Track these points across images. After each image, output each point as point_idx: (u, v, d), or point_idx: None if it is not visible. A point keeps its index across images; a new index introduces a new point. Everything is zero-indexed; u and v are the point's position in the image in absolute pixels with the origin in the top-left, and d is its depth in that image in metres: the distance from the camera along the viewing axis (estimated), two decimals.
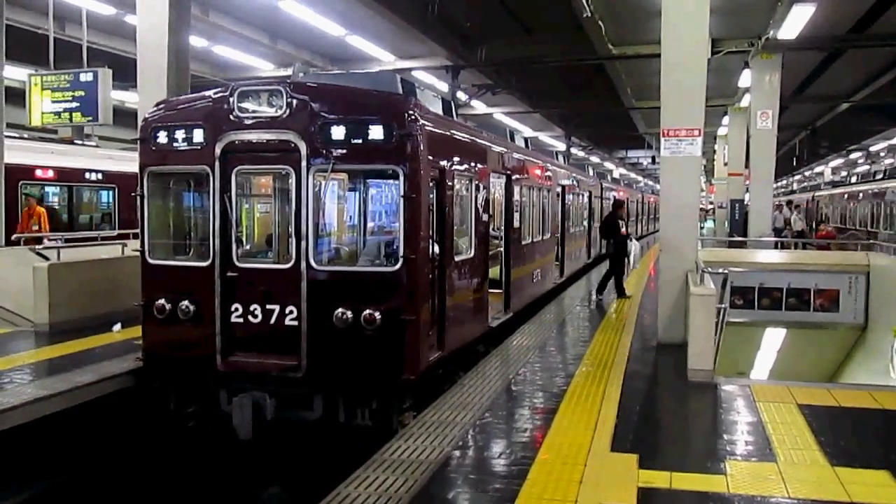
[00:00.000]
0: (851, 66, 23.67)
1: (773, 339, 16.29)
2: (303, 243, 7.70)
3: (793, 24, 16.10)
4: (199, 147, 8.06)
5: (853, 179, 32.46)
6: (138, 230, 8.67)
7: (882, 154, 49.97)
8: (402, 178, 7.59)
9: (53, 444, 7.83)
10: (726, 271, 9.91)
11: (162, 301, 8.16)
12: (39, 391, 7.61)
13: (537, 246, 14.23)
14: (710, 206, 40.92)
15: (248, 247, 9.13)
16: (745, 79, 21.22)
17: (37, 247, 13.03)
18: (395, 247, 7.91)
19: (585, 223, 22.07)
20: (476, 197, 9.81)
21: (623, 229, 14.84)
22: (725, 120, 29.75)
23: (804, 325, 15.09)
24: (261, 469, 8.30)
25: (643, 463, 5.62)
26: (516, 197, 12.28)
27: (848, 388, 8.71)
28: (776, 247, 19.74)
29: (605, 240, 16.28)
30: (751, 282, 15.01)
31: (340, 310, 7.56)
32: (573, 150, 44.79)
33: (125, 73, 17.01)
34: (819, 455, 5.86)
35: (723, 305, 8.74)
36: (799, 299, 14.94)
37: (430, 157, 7.98)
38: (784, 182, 69.10)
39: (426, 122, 7.94)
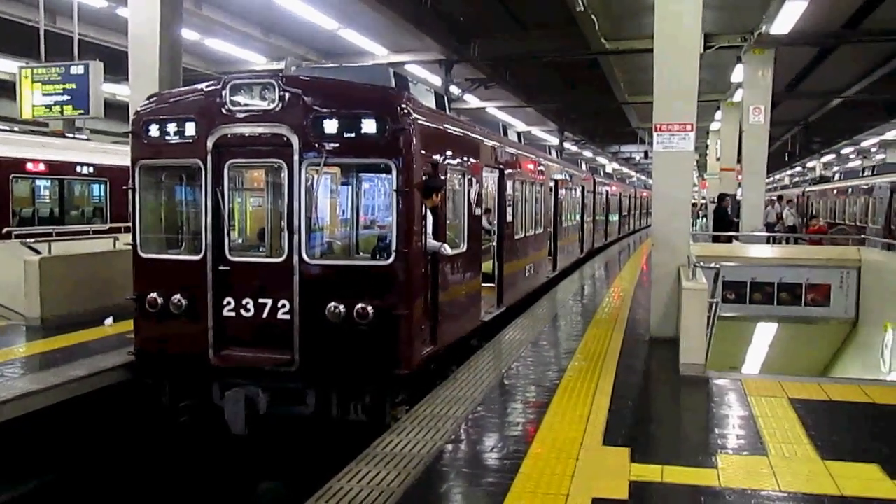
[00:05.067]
0: (844, 62, 23.72)
1: (764, 333, 16.36)
2: (295, 237, 7.68)
3: (785, 20, 16.11)
4: (191, 140, 8.02)
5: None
6: (130, 224, 8.63)
7: (873, 150, 50.18)
8: (394, 172, 7.58)
9: (45, 439, 7.80)
10: (718, 266, 9.93)
11: (154, 295, 8.12)
12: (31, 385, 7.58)
13: (530, 240, 14.23)
14: (702, 201, 40.93)
15: (240, 241, 9.10)
16: (738, 74, 21.24)
17: (28, 240, 12.98)
18: (387, 241, 7.90)
19: (578, 218, 22.09)
20: (469, 191, 9.81)
21: None
22: (718, 115, 29.79)
23: (796, 319, 15.16)
24: (254, 463, 8.30)
25: (635, 456, 5.63)
26: (509, 191, 12.28)
27: (839, 382, 8.74)
28: (768, 242, 19.80)
29: None
30: (743, 276, 15.06)
31: (333, 304, 7.55)
32: (566, 145, 44.79)
33: (117, 66, 16.99)
34: (810, 449, 5.88)
35: (715, 300, 8.77)
36: (790, 294, 15.00)
37: (423, 152, 7.97)
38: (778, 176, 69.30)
39: (419, 116, 7.93)
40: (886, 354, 12.56)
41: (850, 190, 28.11)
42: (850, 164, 50.67)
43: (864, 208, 25.05)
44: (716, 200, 19.61)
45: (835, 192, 30.71)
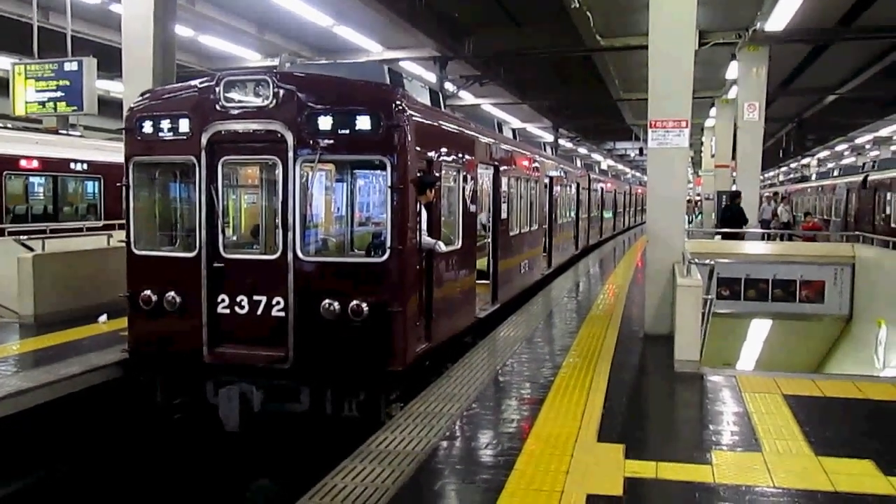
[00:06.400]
0: (838, 59, 23.77)
1: (758, 330, 16.38)
2: (290, 234, 7.66)
3: (780, 17, 16.14)
4: (185, 137, 8.00)
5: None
6: (124, 221, 8.61)
7: (867, 146, 50.35)
8: (389, 168, 7.56)
9: (38, 437, 7.78)
10: (713, 262, 9.95)
11: (148, 292, 8.10)
12: (24, 383, 7.56)
13: (525, 237, 14.23)
14: (697, 198, 41.01)
15: (234, 238, 9.08)
16: (733, 71, 21.29)
17: (21, 237, 12.93)
18: (382, 238, 7.89)
19: (573, 214, 22.09)
20: (463, 188, 9.80)
21: None
22: (713, 111, 29.84)
23: (790, 316, 15.17)
24: (248, 461, 8.28)
25: (630, 453, 5.64)
26: (504, 188, 12.28)
27: (833, 378, 8.78)
28: (763, 238, 19.83)
29: None
30: (737, 273, 15.06)
31: (327, 301, 7.53)
32: (561, 142, 44.80)
33: (110, 62, 16.89)
34: (804, 445, 5.90)
35: (709, 297, 8.77)
36: (785, 290, 15.01)
37: (418, 148, 7.96)
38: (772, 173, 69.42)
39: (414, 113, 7.92)
40: (880, 350, 12.58)
41: (820, 189, 32.84)
42: (844, 161, 50.88)
43: (829, 204, 29.65)
44: (728, 199, 19.55)
45: (809, 190, 35.89)
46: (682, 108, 9.79)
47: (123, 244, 8.48)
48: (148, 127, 8.18)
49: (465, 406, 6.83)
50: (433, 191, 8.32)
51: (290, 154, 7.63)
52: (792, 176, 55.69)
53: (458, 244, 9.61)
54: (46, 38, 17.48)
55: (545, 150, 20.09)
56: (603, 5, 17.39)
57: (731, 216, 19.00)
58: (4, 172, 16.10)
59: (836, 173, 33.49)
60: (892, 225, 21.52)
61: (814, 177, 40.41)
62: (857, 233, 18.46)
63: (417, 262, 8.06)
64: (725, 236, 18.37)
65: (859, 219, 25.00)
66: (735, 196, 19.36)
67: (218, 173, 7.95)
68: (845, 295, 14.71)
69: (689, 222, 27.40)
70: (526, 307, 12.52)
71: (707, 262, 9.95)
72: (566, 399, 7.09)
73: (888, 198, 22.68)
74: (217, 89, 7.86)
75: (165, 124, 8.09)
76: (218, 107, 7.86)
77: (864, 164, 30.01)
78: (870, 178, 24.62)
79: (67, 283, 11.03)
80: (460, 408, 6.77)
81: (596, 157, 60.31)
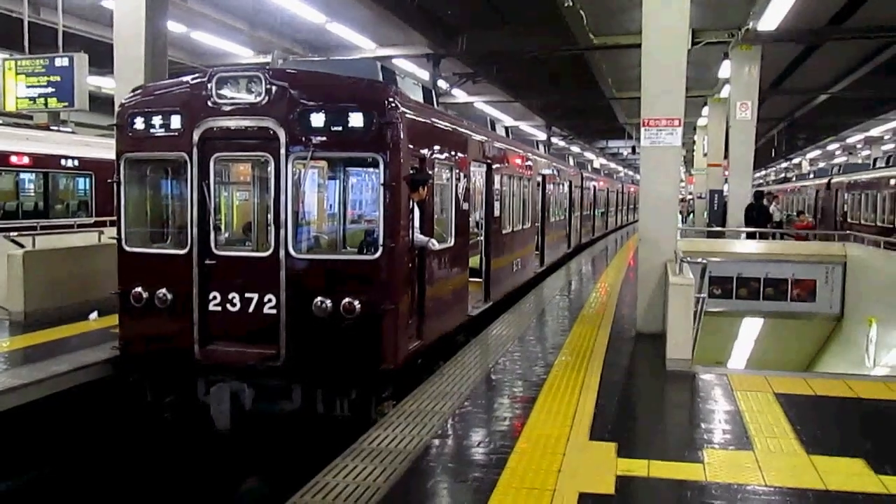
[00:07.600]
0: (829, 59, 23.84)
1: (750, 328, 16.43)
2: (282, 231, 7.63)
3: (772, 16, 16.17)
4: (176, 133, 7.95)
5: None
6: (115, 218, 8.55)
7: (858, 146, 50.55)
8: (381, 166, 7.54)
9: (27, 436, 7.73)
10: (705, 261, 9.96)
11: (139, 290, 8.05)
12: (13, 380, 7.51)
13: (517, 235, 14.23)
14: (689, 197, 41.08)
15: (226, 235, 9.04)
16: (725, 70, 21.32)
17: (11, 234, 12.86)
18: (374, 235, 7.87)
19: (566, 213, 22.10)
20: (456, 186, 9.79)
21: None
22: (705, 110, 29.88)
23: (781, 314, 15.23)
24: (239, 459, 8.25)
25: (622, 451, 5.64)
26: (497, 186, 12.27)
27: (824, 377, 8.79)
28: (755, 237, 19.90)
29: None
30: (729, 272, 15.11)
31: (319, 299, 7.51)
32: (554, 140, 44.83)
33: (102, 58, 16.81)
34: (795, 443, 5.91)
35: (701, 295, 8.78)
36: (776, 289, 15.07)
37: (411, 146, 7.94)
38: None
39: (406, 110, 7.89)
40: (870, 349, 12.63)
41: (797, 189, 37.02)
42: (835, 161, 51.11)
43: (803, 204, 33.56)
44: (752, 197, 19.70)
45: (789, 190, 39.91)
46: (674, 107, 9.79)
47: (114, 241, 8.43)
48: (139, 123, 8.13)
49: (457, 404, 6.83)
50: (426, 188, 8.30)
51: (283, 151, 7.60)
52: (782, 176, 56.51)
53: (451, 242, 9.59)
54: (37, 34, 17.39)
55: (538, 148, 20.10)
56: (595, 4, 17.39)
57: (758, 215, 19.16)
58: None
59: (811, 176, 37.61)
60: (849, 220, 24.94)
61: (794, 179, 43.74)
62: (847, 232, 18.54)
63: (410, 259, 8.04)
64: (751, 235, 18.47)
65: (825, 216, 28.75)
66: (760, 196, 19.55)
67: (210, 170, 7.91)
68: (836, 294, 14.78)
69: (683, 221, 27.50)
70: (518, 305, 12.52)
71: (699, 260, 9.96)
72: (558, 398, 7.09)
73: (845, 198, 26.31)
74: (209, 86, 7.81)
75: (157, 120, 8.05)
76: (210, 103, 7.81)
77: (831, 167, 33.75)
78: (832, 181, 28.47)
79: (58, 281, 10.95)
80: (452, 406, 6.76)
81: (588, 155, 60.36)
